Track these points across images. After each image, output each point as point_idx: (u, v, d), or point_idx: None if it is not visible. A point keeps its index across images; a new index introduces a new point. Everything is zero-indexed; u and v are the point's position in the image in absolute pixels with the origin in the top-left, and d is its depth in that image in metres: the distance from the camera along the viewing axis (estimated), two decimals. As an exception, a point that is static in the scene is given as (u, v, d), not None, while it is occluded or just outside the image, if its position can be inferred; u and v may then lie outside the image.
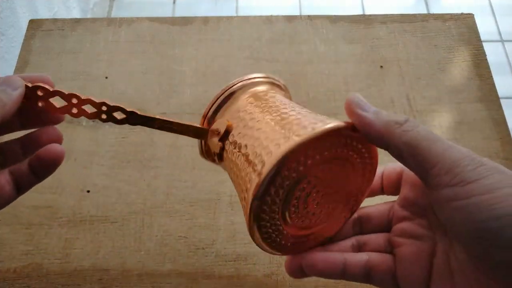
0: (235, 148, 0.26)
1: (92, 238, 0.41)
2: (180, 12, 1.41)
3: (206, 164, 0.33)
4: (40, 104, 0.26)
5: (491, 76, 0.50)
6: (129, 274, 0.39)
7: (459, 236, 0.23)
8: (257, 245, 0.26)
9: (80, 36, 0.53)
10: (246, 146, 0.25)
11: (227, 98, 0.29)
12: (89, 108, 0.27)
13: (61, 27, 0.54)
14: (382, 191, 0.30)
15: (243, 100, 0.29)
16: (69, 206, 0.42)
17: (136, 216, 0.42)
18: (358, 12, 1.42)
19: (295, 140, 0.22)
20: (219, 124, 0.28)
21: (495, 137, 0.46)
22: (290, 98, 0.31)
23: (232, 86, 0.29)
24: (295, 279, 0.38)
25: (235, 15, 1.38)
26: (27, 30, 0.54)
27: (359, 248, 0.28)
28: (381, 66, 0.51)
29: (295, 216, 0.25)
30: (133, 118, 0.27)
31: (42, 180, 0.27)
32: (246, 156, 0.25)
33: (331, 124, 0.23)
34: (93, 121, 0.47)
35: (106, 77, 0.50)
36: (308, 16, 0.55)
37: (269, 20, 0.55)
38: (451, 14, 0.55)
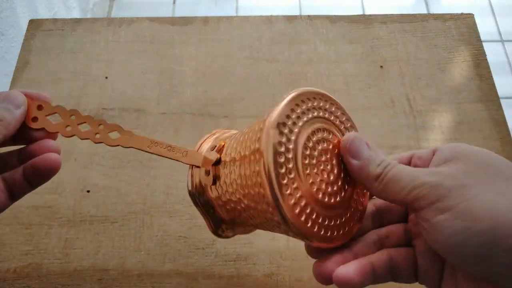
0: (231, 155, 0.27)
1: (92, 238, 0.41)
2: (180, 12, 1.41)
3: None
4: (37, 121, 0.26)
5: (491, 76, 0.50)
6: (129, 274, 0.39)
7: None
8: (279, 206, 0.23)
9: (80, 36, 0.53)
10: (237, 148, 0.27)
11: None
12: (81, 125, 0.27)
13: (61, 27, 0.54)
14: None
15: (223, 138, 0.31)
16: (69, 206, 0.42)
17: (136, 216, 0.42)
18: (358, 12, 1.42)
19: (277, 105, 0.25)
20: (215, 142, 0.30)
21: (495, 137, 0.46)
22: None
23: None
24: (295, 279, 0.39)
25: (235, 15, 1.38)
26: (27, 30, 0.54)
27: (381, 244, 0.28)
28: (381, 66, 0.51)
29: (313, 171, 0.25)
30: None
31: (35, 188, 0.27)
32: (242, 150, 0.26)
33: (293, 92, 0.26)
34: (93, 121, 0.47)
35: (106, 77, 0.50)
36: (308, 16, 0.55)
37: (269, 20, 0.55)
38: (451, 14, 0.55)
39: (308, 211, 0.24)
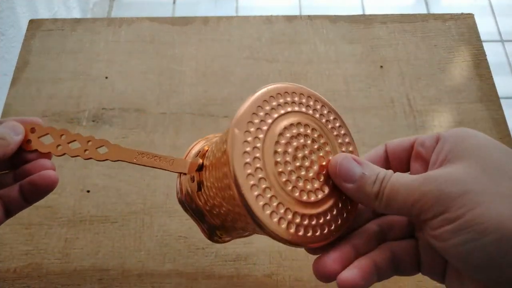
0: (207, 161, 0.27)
1: (92, 238, 0.41)
2: (180, 12, 1.41)
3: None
4: (30, 143, 0.28)
5: (491, 76, 0.50)
6: (129, 274, 0.39)
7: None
8: (249, 210, 0.23)
9: (80, 36, 0.53)
10: (214, 151, 0.27)
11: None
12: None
13: (61, 27, 0.54)
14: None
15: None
16: (69, 206, 0.42)
17: (136, 216, 0.42)
18: (358, 12, 1.42)
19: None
20: (201, 147, 0.30)
21: (495, 137, 0.46)
22: None
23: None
24: (295, 279, 0.39)
25: (235, 15, 1.38)
26: (27, 30, 0.54)
27: (382, 235, 0.26)
28: (381, 66, 0.51)
29: (287, 168, 0.24)
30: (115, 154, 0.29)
31: (31, 204, 0.28)
32: (217, 152, 0.26)
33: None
34: (92, 120, 0.47)
35: (106, 77, 0.50)
36: (308, 16, 0.55)
37: (269, 20, 0.55)
38: (451, 14, 0.55)
39: (282, 211, 0.23)
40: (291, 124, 0.25)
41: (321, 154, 0.26)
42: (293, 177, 0.24)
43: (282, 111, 0.25)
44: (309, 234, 0.24)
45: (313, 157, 0.26)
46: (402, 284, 0.38)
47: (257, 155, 0.24)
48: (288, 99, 0.26)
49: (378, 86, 0.50)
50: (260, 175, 0.23)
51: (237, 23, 0.55)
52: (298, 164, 0.25)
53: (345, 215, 0.26)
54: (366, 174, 0.24)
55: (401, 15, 0.55)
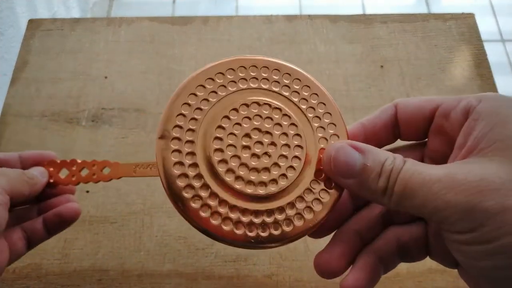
0: None
1: (91, 238, 0.41)
2: (180, 12, 1.41)
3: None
4: (51, 180, 0.30)
5: (492, 76, 0.50)
6: (129, 275, 0.39)
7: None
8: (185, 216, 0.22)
9: (80, 36, 0.53)
10: None
11: None
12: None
13: (61, 27, 0.54)
14: (394, 137, 0.25)
15: None
16: (69, 206, 0.42)
17: (136, 216, 0.42)
18: (358, 11, 1.42)
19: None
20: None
21: (496, 137, 0.46)
22: None
23: None
24: (295, 280, 0.38)
25: (235, 15, 1.38)
26: (26, 30, 0.54)
27: (389, 218, 0.23)
28: (381, 66, 0.51)
29: (233, 164, 0.22)
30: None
31: (52, 236, 0.30)
32: None
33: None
34: (92, 120, 0.47)
35: (106, 77, 0.50)
36: (308, 15, 0.55)
37: (269, 20, 0.55)
38: (451, 14, 0.55)
39: (223, 210, 0.21)
40: (236, 110, 0.22)
41: (284, 142, 0.23)
42: (242, 173, 0.22)
43: (215, 99, 0.22)
44: (277, 231, 0.22)
45: (279, 138, 0.23)
46: (402, 285, 0.38)
47: (190, 138, 0.22)
48: (253, 74, 0.23)
49: (378, 86, 0.50)
50: (197, 184, 0.22)
51: (237, 23, 0.55)
52: (249, 152, 0.22)
53: (313, 214, 0.22)
54: (369, 165, 0.20)
55: (401, 15, 0.55)
